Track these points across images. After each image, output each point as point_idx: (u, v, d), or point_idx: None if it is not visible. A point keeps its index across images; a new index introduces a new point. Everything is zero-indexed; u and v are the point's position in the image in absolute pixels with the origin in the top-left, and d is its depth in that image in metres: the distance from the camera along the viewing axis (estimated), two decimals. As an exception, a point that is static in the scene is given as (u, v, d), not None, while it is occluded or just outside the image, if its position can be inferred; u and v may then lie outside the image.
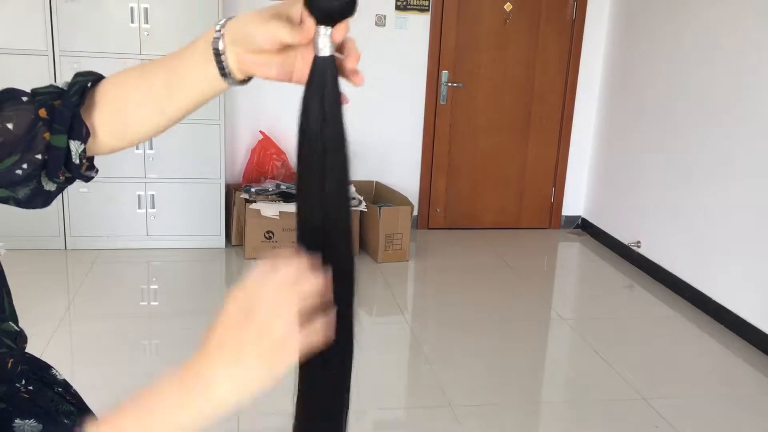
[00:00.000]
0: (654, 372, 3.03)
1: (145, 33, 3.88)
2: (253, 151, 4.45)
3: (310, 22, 0.65)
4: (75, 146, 0.80)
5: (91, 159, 0.85)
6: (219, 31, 0.75)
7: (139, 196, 4.11)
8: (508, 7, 4.67)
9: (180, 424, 0.60)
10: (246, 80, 0.78)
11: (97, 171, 0.86)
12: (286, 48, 0.70)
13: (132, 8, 3.84)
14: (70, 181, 0.84)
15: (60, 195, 0.87)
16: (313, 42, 0.66)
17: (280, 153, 4.44)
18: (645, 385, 2.88)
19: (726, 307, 3.50)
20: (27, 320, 0.90)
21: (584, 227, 5.10)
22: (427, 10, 4.58)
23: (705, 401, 2.82)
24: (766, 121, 3.27)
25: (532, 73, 4.84)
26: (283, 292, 0.60)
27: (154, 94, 0.81)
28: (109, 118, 0.82)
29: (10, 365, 0.81)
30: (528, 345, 3.31)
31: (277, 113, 4.50)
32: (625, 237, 4.48)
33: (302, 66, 0.71)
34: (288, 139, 4.55)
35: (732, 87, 3.51)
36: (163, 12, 3.89)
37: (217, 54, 0.75)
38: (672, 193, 4.00)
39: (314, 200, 0.69)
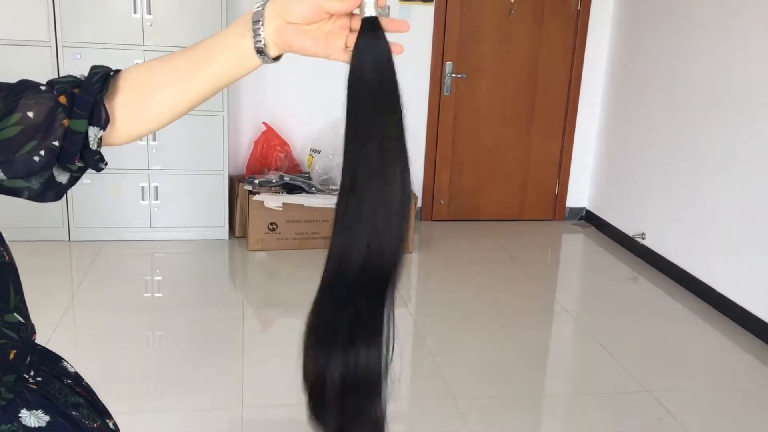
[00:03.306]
0: (658, 364, 3.03)
1: (148, 24, 3.87)
2: (257, 142, 4.44)
3: None
4: (93, 132, 0.81)
5: (100, 152, 0.86)
6: (260, 6, 0.79)
7: (142, 187, 4.11)
8: (512, -3, 4.65)
9: None
10: (276, 58, 0.81)
11: (106, 163, 0.87)
12: (319, 22, 0.78)
13: (135, -1, 3.83)
14: (82, 170, 0.85)
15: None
16: (360, 8, 0.75)
17: (283, 144, 4.43)
18: (649, 378, 2.87)
19: (731, 299, 3.49)
20: (31, 311, 0.89)
21: (588, 219, 5.09)
22: (431, 0, 4.56)
23: (709, 393, 2.82)
24: (772, 112, 3.25)
25: (536, 64, 4.82)
26: None
27: (178, 74, 0.82)
28: (129, 101, 0.83)
29: (12, 356, 0.81)
30: (532, 337, 3.30)
31: (280, 105, 4.49)
32: (629, 229, 4.47)
33: (335, 44, 0.79)
34: (291, 130, 4.54)
35: (738, 79, 3.48)
36: (166, 3, 3.88)
37: (257, 25, 0.78)
38: (677, 185, 3.98)
39: (371, 144, 0.74)
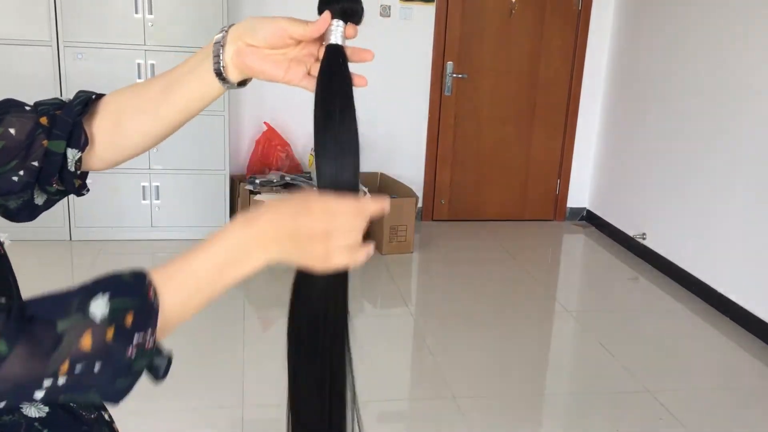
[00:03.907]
0: (658, 364, 3.03)
1: (150, 24, 3.87)
2: (258, 142, 4.45)
3: (326, 14, 0.72)
4: (72, 154, 0.81)
5: (84, 177, 0.86)
6: (224, 30, 0.78)
7: (143, 187, 4.11)
8: (513, -3, 4.65)
9: (217, 283, 0.68)
10: (242, 83, 0.80)
11: (88, 190, 0.87)
12: (284, 47, 0.76)
13: (136, -1, 3.83)
14: (61, 194, 0.85)
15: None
16: (326, 33, 0.72)
17: (284, 144, 4.44)
18: (649, 378, 2.88)
19: (731, 299, 3.49)
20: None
21: (589, 219, 5.09)
22: (432, 0, 4.56)
23: (709, 393, 2.82)
24: (773, 112, 3.25)
25: (537, 64, 4.82)
26: (355, 219, 0.69)
27: (151, 100, 0.82)
28: (107, 127, 0.83)
29: None
30: (532, 337, 3.31)
31: (281, 105, 4.49)
32: (630, 229, 4.47)
33: (297, 70, 0.77)
34: (292, 130, 4.55)
35: (739, 78, 3.49)
36: (167, 3, 3.88)
37: (217, 46, 0.77)
38: (677, 185, 3.98)
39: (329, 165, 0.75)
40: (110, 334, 0.58)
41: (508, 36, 4.73)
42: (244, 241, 0.68)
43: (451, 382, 2.78)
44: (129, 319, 0.59)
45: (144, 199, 4.13)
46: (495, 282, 3.93)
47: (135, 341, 0.60)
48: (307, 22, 0.74)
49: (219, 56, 0.76)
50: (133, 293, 0.61)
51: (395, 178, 4.55)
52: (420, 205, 4.84)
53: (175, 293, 0.65)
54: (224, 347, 2.99)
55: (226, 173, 4.20)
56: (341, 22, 0.72)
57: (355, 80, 0.73)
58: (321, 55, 0.75)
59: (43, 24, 3.77)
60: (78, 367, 0.57)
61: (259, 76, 0.77)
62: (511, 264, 4.23)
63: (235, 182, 4.33)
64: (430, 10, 4.58)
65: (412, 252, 4.25)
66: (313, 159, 4.53)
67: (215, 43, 0.77)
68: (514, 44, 4.75)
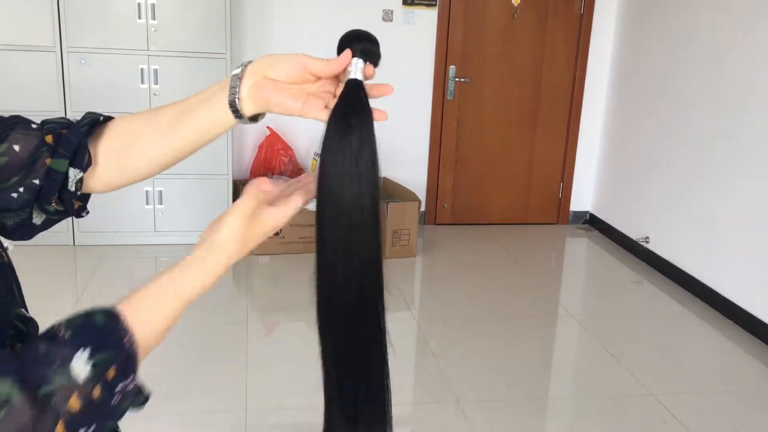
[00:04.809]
0: (662, 368, 3.02)
1: (153, 29, 3.89)
2: (261, 146, 4.46)
3: (347, 52, 0.73)
4: (73, 173, 0.80)
5: (85, 199, 0.86)
6: (243, 65, 0.78)
7: (146, 191, 4.12)
8: (515, 1, 4.65)
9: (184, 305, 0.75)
10: (254, 118, 0.80)
11: (87, 212, 0.87)
12: (303, 82, 0.76)
13: (139, 4, 3.84)
14: (60, 214, 0.85)
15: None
16: (345, 72, 0.74)
17: (287, 149, 4.45)
18: (653, 381, 2.87)
19: (735, 303, 3.48)
20: (35, 315, 0.90)
21: (592, 223, 5.08)
22: (435, 5, 4.57)
23: (713, 397, 2.81)
24: (776, 115, 3.24)
25: (540, 67, 4.82)
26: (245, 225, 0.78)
27: (161, 127, 0.82)
28: (112, 149, 0.83)
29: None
30: (535, 341, 3.30)
31: (284, 109, 4.50)
32: (633, 232, 4.46)
33: (315, 103, 0.76)
34: (295, 134, 4.55)
35: (742, 81, 3.48)
36: (170, 8, 3.89)
37: (234, 78, 0.77)
38: (681, 189, 3.98)
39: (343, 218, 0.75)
40: (97, 392, 0.60)
41: (510, 40, 4.74)
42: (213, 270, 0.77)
43: (455, 385, 2.77)
44: (111, 373, 0.61)
45: (147, 203, 4.14)
46: (498, 286, 3.92)
47: (119, 389, 0.63)
48: (327, 59, 0.74)
49: (236, 88, 0.76)
50: (111, 344, 0.63)
51: (398, 181, 4.55)
52: (423, 209, 4.84)
53: (148, 326, 0.70)
54: (227, 351, 2.99)
55: (229, 178, 4.20)
56: (361, 61, 0.73)
57: (376, 114, 0.73)
58: (338, 92, 0.74)
59: (47, 30, 3.78)
60: (72, 425, 0.58)
61: (275, 109, 0.77)
62: (515, 268, 4.23)
63: (238, 187, 4.33)
64: (433, 14, 4.59)
65: (415, 256, 4.25)
66: (316, 163, 4.55)
67: (233, 75, 0.76)
68: (517, 48, 4.76)
